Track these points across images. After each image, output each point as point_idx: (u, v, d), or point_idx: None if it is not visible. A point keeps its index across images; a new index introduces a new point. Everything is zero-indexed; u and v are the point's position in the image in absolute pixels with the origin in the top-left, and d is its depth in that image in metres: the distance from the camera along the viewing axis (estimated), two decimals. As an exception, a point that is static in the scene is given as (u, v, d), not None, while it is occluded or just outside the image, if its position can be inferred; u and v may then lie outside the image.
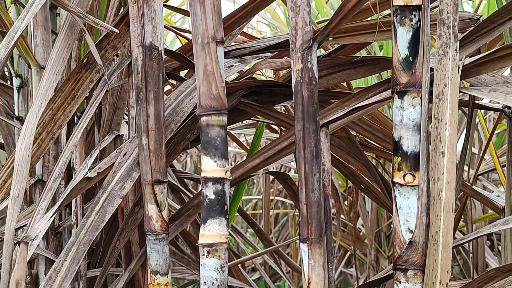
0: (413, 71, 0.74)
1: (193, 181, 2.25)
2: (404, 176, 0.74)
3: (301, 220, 0.82)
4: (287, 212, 3.48)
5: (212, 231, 0.80)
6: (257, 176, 4.40)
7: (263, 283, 3.37)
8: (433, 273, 0.73)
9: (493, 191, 2.41)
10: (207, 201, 0.80)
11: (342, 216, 2.54)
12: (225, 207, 0.81)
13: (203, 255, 0.80)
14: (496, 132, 2.43)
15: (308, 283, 0.80)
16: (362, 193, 2.47)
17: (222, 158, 0.81)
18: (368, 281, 0.92)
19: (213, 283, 0.79)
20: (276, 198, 3.29)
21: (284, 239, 3.35)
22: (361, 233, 2.79)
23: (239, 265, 1.59)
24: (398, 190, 0.75)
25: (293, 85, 0.83)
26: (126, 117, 1.38)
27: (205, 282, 0.79)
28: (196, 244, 0.81)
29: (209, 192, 0.80)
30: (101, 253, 1.21)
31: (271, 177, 2.92)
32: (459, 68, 0.74)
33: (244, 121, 1.80)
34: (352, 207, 1.74)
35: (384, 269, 2.76)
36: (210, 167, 0.80)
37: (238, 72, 1.28)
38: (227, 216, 0.81)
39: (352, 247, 2.75)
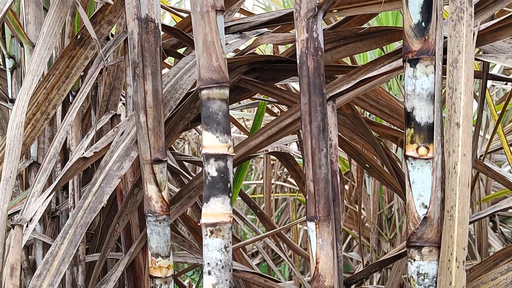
0: (426, 37, 0.70)
1: (192, 164, 2.21)
2: (417, 148, 0.70)
3: (308, 197, 0.78)
4: (286, 197, 3.46)
5: (215, 210, 0.76)
6: (256, 161, 4.38)
7: (264, 268, 3.35)
8: (449, 250, 0.69)
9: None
10: (209, 178, 0.77)
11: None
12: (228, 185, 0.77)
13: (206, 235, 0.76)
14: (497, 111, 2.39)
15: (317, 262, 0.77)
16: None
17: (224, 133, 0.77)
18: (380, 259, 0.88)
19: (217, 264, 0.75)
20: (276, 182, 3.26)
21: (284, 224, 3.33)
22: (362, 216, 2.76)
23: (240, 249, 1.55)
24: (411, 163, 0.71)
25: (297, 57, 0.79)
26: (123, 98, 1.34)
27: (208, 263, 0.76)
28: (199, 223, 0.77)
29: (211, 169, 0.76)
30: (100, 237, 1.17)
31: (271, 162, 2.87)
32: (474, 34, 0.70)
33: (243, 102, 1.76)
34: (358, 187, 1.71)
35: (386, 252, 2.75)
36: (212, 143, 0.76)
37: (234, 51, 1.24)
38: (230, 194, 0.77)
39: (353, 231, 2.72)
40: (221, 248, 0.76)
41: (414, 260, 0.70)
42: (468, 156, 0.70)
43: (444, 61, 0.72)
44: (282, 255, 1.75)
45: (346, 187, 2.69)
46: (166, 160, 0.92)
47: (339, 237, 0.83)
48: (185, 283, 2.16)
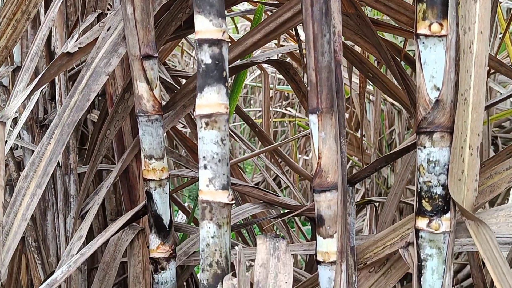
0: None
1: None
2: (430, 25, 0.64)
3: (310, 88, 0.72)
4: (285, 124, 3.41)
5: (210, 100, 0.70)
6: (255, 94, 4.31)
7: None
8: (462, 136, 0.64)
9: (501, 93, 2.32)
10: (203, 66, 0.70)
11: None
12: (224, 73, 0.71)
13: (201, 127, 0.71)
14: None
15: (319, 157, 0.72)
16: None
17: (218, 16, 0.70)
18: (386, 155, 0.83)
19: (213, 157, 0.70)
20: (275, 109, 3.21)
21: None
22: (362, 142, 2.73)
23: (239, 170, 1.51)
24: (423, 42, 0.65)
25: None
26: None
27: (204, 157, 0.71)
28: (193, 116, 0.71)
29: (205, 56, 0.70)
30: (92, 147, 1.13)
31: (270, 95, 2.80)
32: None
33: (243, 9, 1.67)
34: (360, 98, 1.66)
35: (386, 178, 2.71)
36: (205, 27, 0.70)
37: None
38: (226, 84, 0.71)
39: (354, 157, 2.69)
40: (217, 140, 0.71)
41: (425, 147, 0.65)
42: (486, 33, 0.63)
43: None
44: (279, 174, 1.71)
45: (346, 114, 2.64)
46: (157, 57, 0.86)
47: (342, 131, 0.77)
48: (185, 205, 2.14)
